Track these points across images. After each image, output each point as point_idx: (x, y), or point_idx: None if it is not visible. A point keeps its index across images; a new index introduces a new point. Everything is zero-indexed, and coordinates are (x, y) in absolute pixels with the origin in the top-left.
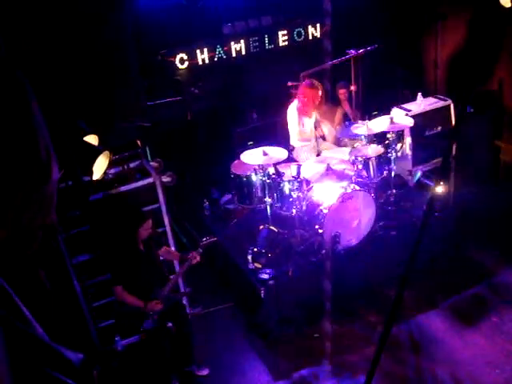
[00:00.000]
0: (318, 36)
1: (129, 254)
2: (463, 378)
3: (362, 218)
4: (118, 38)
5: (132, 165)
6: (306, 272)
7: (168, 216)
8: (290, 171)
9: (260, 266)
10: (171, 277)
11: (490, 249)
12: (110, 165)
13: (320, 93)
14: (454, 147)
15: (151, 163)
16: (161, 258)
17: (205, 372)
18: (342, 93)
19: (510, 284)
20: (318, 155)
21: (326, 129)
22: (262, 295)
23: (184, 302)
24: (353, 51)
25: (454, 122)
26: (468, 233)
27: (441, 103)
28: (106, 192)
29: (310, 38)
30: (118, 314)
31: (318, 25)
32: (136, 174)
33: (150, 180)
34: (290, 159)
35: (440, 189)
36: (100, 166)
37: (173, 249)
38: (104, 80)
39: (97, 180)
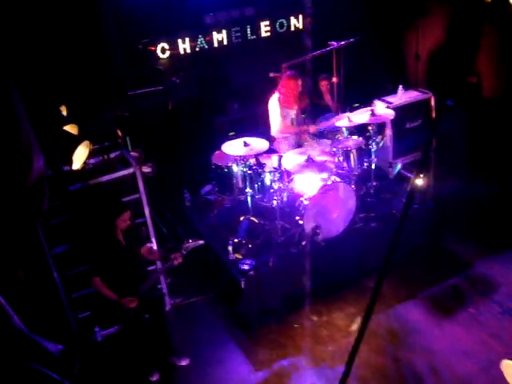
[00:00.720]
0: (301, 27)
1: (107, 246)
2: (440, 367)
3: (342, 210)
4: (99, 26)
5: (112, 155)
6: (287, 263)
7: (148, 207)
8: (271, 162)
9: (240, 256)
10: (152, 274)
11: (468, 240)
12: (90, 155)
13: (300, 83)
14: (434, 140)
15: (131, 153)
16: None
17: (185, 362)
18: (323, 85)
19: (487, 276)
20: (299, 147)
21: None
22: (243, 286)
23: (164, 291)
24: (334, 43)
25: (434, 115)
26: (447, 225)
27: (421, 96)
28: (86, 182)
29: (293, 29)
30: (97, 304)
31: (300, 16)
32: (116, 164)
33: (131, 170)
34: (271, 150)
35: (420, 181)
36: (80, 156)
37: (155, 247)
38: (84, 69)
39: (76, 170)
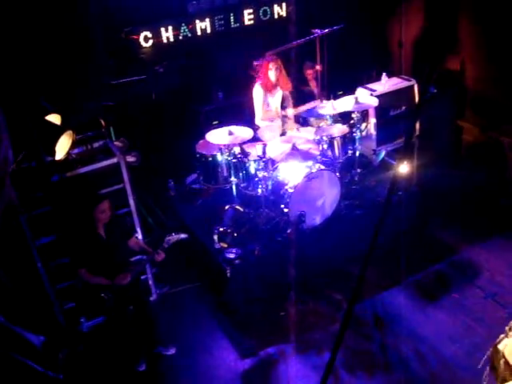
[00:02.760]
0: (284, 15)
1: (87, 238)
2: (425, 352)
3: (326, 198)
4: (80, 13)
5: (96, 145)
6: (272, 251)
7: (133, 196)
8: (255, 151)
9: (226, 245)
10: (135, 266)
11: (452, 227)
12: (73, 145)
13: (278, 63)
14: (418, 127)
15: (115, 143)
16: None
17: (172, 351)
18: (309, 73)
19: (470, 261)
20: (283, 135)
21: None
22: (229, 274)
23: (150, 281)
24: (318, 31)
25: (417, 102)
26: (431, 211)
27: (405, 83)
28: (69, 172)
29: (276, 16)
30: (81, 295)
31: (284, 4)
32: (100, 153)
33: (114, 160)
34: (256, 139)
35: (403, 168)
36: (63, 146)
37: (140, 237)
38: (67, 58)
39: (59, 160)
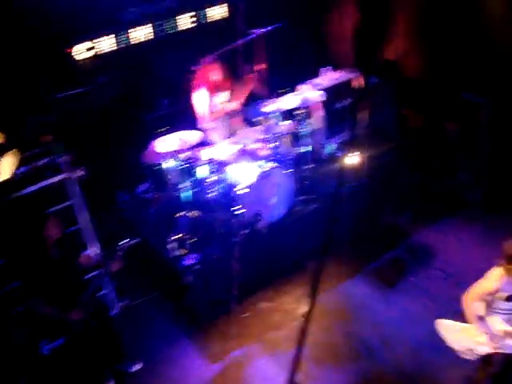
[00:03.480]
0: (226, 17)
1: (38, 261)
2: (389, 337)
3: (280, 195)
4: (17, 27)
5: (42, 162)
6: (230, 253)
7: (84, 212)
8: (204, 154)
9: (184, 252)
10: (91, 281)
11: (404, 212)
12: (19, 164)
13: (217, 67)
14: (368, 117)
15: (62, 158)
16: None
17: (138, 366)
18: (252, 73)
19: (423, 243)
20: (232, 136)
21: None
22: (189, 281)
23: (110, 295)
24: (256, 31)
25: (361, 94)
26: (384, 199)
27: (349, 76)
28: (14, 193)
29: (218, 18)
30: (38, 318)
31: (225, 5)
32: (47, 170)
33: (63, 176)
34: (205, 143)
35: (352, 159)
36: (7, 166)
37: (93, 252)
38: (4, 74)
39: (4, 181)
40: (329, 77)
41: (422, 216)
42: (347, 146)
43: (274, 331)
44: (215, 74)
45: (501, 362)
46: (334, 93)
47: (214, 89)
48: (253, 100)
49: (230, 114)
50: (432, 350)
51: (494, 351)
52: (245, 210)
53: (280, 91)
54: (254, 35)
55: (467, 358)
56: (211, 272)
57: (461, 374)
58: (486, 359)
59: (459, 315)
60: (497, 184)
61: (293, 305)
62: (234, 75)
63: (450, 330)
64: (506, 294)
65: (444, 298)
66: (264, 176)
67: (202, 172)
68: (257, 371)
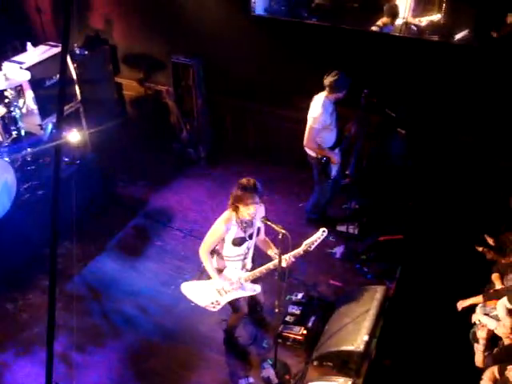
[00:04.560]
0: None
1: None
2: (146, 304)
3: (2, 187)
4: None
5: None
6: None
7: None
8: None
9: None
10: None
11: (137, 181)
12: None
13: None
14: (78, 92)
15: None
16: None
17: None
18: None
19: (160, 207)
20: None
21: None
22: None
23: None
24: None
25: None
26: (115, 171)
27: (54, 50)
28: None
29: None
30: None
31: None
32: None
33: None
34: None
35: (72, 137)
36: None
37: None
38: None
39: None
40: (32, 53)
41: (158, 181)
42: (59, 123)
43: (27, 330)
44: None
45: (246, 304)
46: (41, 70)
47: None
48: None
49: None
50: (187, 308)
51: (236, 297)
52: None
53: None
54: None
55: (214, 310)
56: None
57: (215, 320)
58: (234, 305)
59: None
60: (216, 141)
61: (42, 298)
62: None
63: (192, 291)
64: (234, 238)
65: (191, 256)
66: None
67: None
68: (16, 375)
